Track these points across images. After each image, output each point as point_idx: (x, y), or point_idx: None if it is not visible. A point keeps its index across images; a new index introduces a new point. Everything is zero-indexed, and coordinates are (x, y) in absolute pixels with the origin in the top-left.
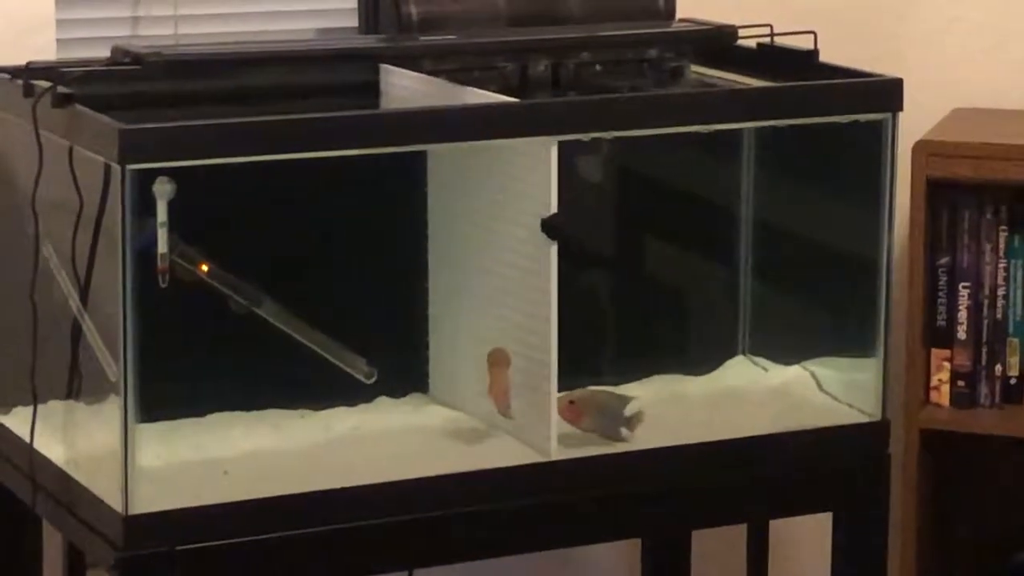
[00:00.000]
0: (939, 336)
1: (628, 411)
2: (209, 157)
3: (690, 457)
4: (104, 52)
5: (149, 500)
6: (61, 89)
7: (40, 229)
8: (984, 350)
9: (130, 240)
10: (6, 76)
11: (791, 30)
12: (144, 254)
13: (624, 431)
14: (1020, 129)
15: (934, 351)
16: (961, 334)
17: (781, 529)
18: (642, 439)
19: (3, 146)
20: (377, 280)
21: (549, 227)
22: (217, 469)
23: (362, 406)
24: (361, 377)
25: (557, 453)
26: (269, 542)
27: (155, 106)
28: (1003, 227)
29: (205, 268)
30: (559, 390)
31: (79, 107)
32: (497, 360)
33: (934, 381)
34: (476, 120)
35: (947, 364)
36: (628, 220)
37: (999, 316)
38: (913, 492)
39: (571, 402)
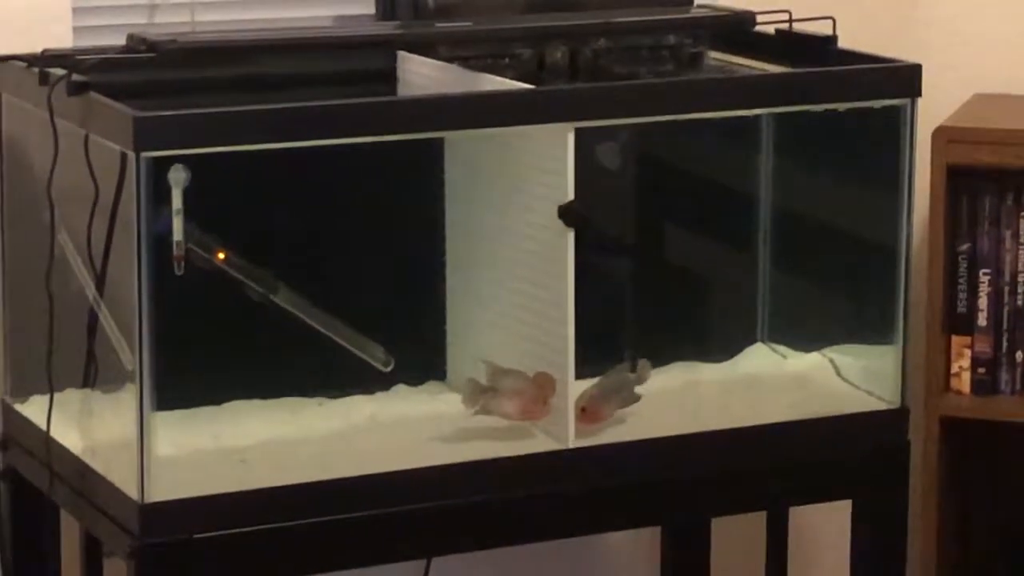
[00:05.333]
0: (959, 323)
1: (633, 373)
2: (224, 144)
3: (709, 444)
4: (120, 40)
5: (166, 488)
6: (76, 77)
7: (56, 217)
8: (1005, 337)
9: (146, 228)
10: (22, 64)
11: (809, 15)
12: (160, 242)
13: (637, 390)
14: None
15: (954, 338)
16: (981, 321)
17: (800, 516)
18: (661, 426)
19: (19, 134)
20: (394, 268)
21: (566, 214)
22: (234, 457)
23: (379, 394)
24: (378, 365)
25: (575, 441)
26: (286, 530)
27: (171, 94)
28: (1023, 213)
29: (221, 256)
30: (576, 378)
31: (94, 95)
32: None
33: (954, 368)
34: (493, 107)
35: (967, 351)
36: (645, 207)
37: (1020, 303)
38: (933, 479)
39: (583, 409)
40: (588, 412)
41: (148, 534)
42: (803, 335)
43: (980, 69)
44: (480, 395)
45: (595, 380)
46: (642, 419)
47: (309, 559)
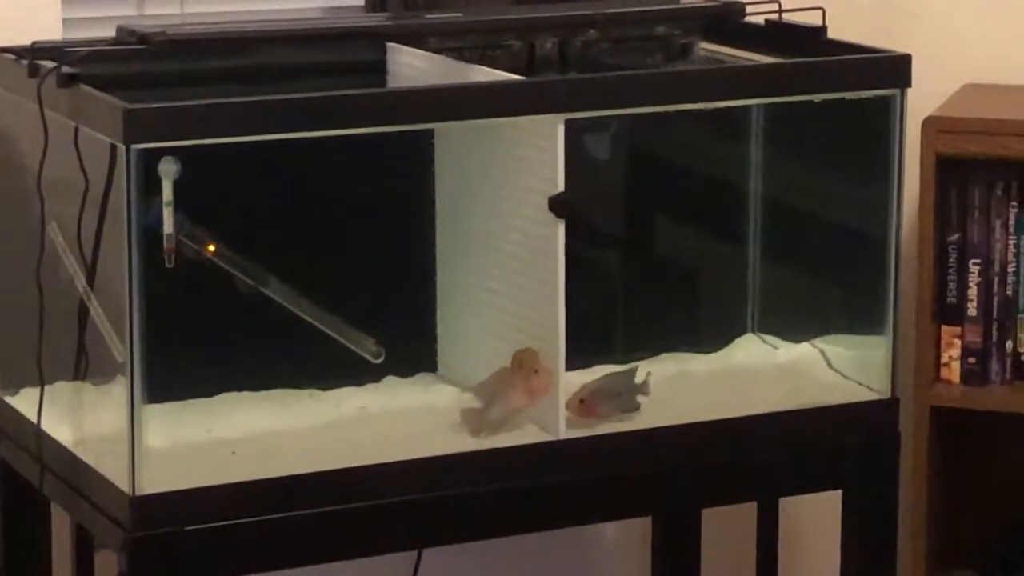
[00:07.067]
0: (949, 313)
1: (638, 378)
2: (215, 136)
3: (699, 435)
4: (110, 32)
5: (157, 481)
6: (66, 69)
7: (46, 210)
8: (995, 327)
9: (136, 220)
10: (11, 56)
11: (799, 6)
12: (150, 234)
13: (640, 398)
14: None
15: (944, 328)
16: (971, 311)
17: (791, 507)
18: (652, 417)
19: (8, 126)
20: (385, 259)
21: (556, 205)
22: (225, 449)
23: (370, 386)
24: (369, 357)
25: (566, 432)
26: (277, 522)
27: (161, 86)
28: (1013, 203)
29: (212, 248)
30: (567, 370)
31: (84, 87)
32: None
33: (944, 358)
34: (483, 98)
35: (957, 341)
36: (636, 198)
37: (1009, 292)
38: (923, 470)
39: (581, 401)
40: (586, 404)
41: (139, 526)
42: (793, 326)
43: (969, 59)
44: (479, 418)
45: (597, 374)
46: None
47: (300, 551)
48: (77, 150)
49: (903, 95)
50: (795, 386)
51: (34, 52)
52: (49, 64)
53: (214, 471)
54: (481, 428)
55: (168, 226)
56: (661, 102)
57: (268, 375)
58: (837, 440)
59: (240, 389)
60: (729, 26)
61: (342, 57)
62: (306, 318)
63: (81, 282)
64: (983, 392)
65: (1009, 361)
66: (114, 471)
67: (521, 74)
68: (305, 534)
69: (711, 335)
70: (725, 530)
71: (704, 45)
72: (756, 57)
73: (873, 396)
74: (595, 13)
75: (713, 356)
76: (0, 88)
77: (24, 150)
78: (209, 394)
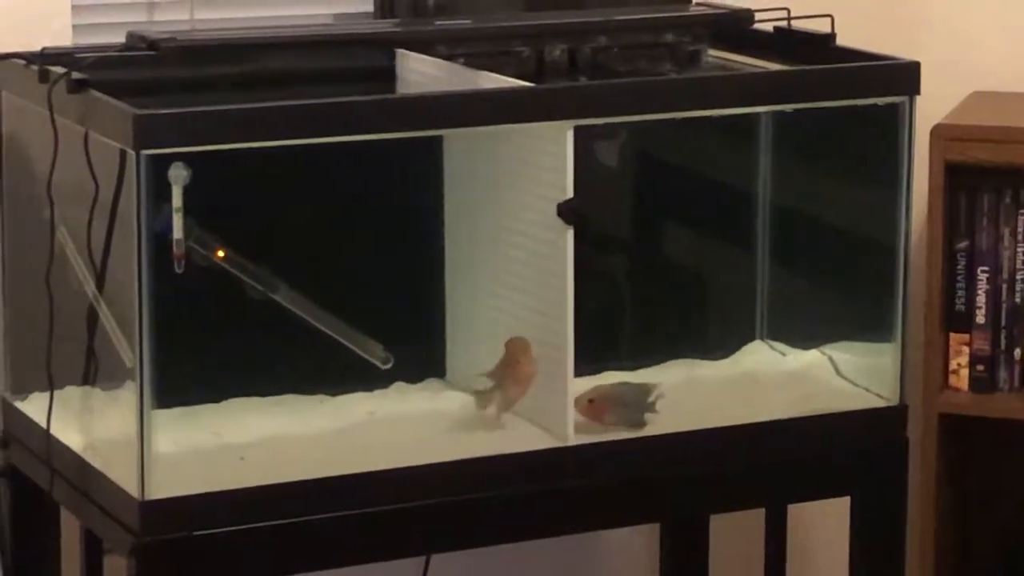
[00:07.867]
0: (958, 320)
1: (651, 398)
2: (224, 142)
3: (708, 441)
4: (120, 37)
5: (166, 486)
6: (76, 75)
7: (56, 215)
8: (1003, 334)
9: (146, 226)
10: (21, 62)
11: (808, 13)
12: (160, 239)
13: (647, 415)
14: None
15: (953, 335)
16: (980, 318)
17: (799, 512)
18: (660, 423)
19: (19, 132)
20: (394, 265)
21: (565, 212)
22: (234, 454)
23: (379, 391)
24: (377, 362)
25: (575, 438)
26: (286, 528)
27: (170, 91)
28: (1022, 211)
29: (221, 254)
30: (576, 376)
31: (94, 93)
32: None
33: (953, 365)
34: (492, 105)
35: (966, 348)
36: (645, 204)
37: (1018, 300)
38: (931, 476)
39: (590, 401)
40: (595, 405)
41: (148, 531)
42: (802, 333)
43: (978, 67)
44: (485, 400)
45: (605, 380)
46: None
47: (309, 556)
48: (87, 155)
49: (912, 102)
50: (804, 393)
51: (44, 58)
52: (59, 70)
53: (223, 476)
54: (486, 407)
55: (178, 231)
56: (670, 109)
57: (277, 380)
58: (846, 447)
59: (249, 394)
60: (738, 33)
61: (351, 63)
62: (315, 323)
63: (91, 287)
64: (991, 399)
65: (1017, 368)
66: (123, 476)
67: (530, 81)
68: (314, 539)
69: (720, 342)
70: (733, 535)
71: (713, 52)
72: (765, 64)
73: (881, 403)
74: (604, 20)
75: (722, 363)
76: (11, 94)
77: (34, 155)
78: (218, 399)
